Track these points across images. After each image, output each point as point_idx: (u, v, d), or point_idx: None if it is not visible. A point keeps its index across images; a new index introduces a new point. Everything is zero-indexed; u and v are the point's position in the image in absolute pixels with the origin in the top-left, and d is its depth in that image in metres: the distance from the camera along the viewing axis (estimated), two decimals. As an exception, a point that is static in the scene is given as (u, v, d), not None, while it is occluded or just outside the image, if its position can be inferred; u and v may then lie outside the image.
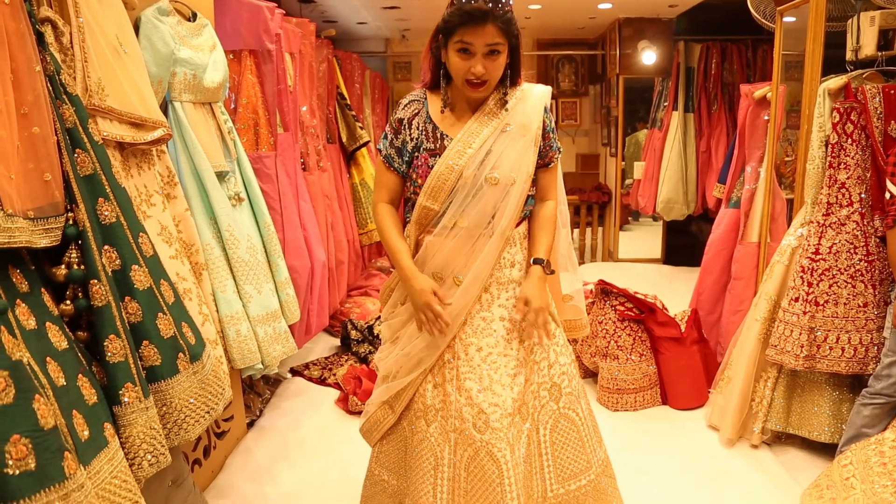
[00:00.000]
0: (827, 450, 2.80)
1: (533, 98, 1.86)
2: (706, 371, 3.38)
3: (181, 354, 1.66)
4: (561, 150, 1.96)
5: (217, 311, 2.34)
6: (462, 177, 1.77)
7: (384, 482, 1.99)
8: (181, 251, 2.11)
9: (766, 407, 2.89)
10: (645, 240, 7.32)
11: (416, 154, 1.84)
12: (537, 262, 1.86)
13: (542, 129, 1.86)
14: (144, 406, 1.51)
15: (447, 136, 1.82)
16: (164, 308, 1.64)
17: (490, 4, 1.65)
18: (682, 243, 6.43)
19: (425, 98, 1.88)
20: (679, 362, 3.31)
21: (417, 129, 1.84)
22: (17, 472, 1.12)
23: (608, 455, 2.03)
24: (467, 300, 1.82)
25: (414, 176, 1.85)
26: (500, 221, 1.79)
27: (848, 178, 2.67)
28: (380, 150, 1.91)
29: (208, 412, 1.72)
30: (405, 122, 1.86)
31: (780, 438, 2.97)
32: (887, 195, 2.40)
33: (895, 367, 2.46)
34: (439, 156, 1.80)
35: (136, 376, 1.50)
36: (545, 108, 1.88)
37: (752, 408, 2.94)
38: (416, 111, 1.86)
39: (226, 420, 2.81)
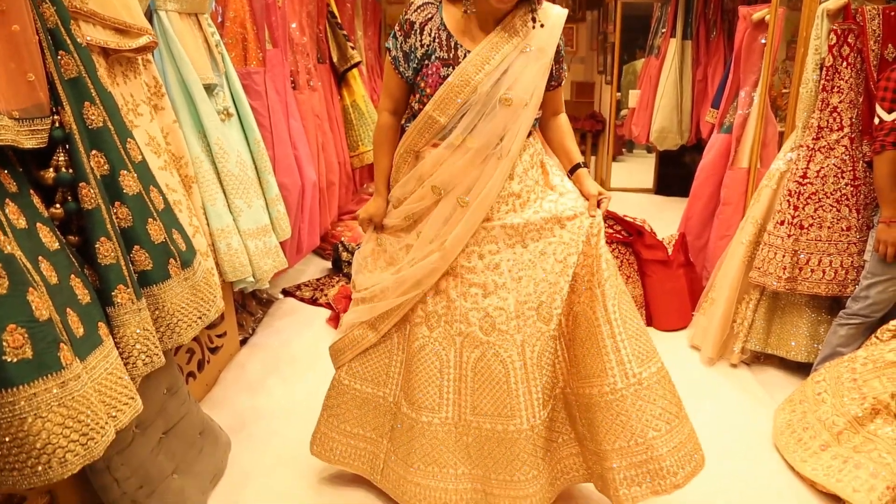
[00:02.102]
0: (802, 369, 2.90)
1: (552, 19, 1.80)
2: (691, 294, 3.45)
3: (172, 260, 1.68)
4: (566, 69, 1.97)
5: (207, 224, 2.36)
6: (476, 92, 1.72)
7: (355, 390, 2.00)
8: (170, 163, 2.11)
9: (746, 328, 2.97)
10: (637, 170, 7.32)
11: (427, 62, 1.77)
12: (582, 165, 1.97)
13: (556, 51, 1.83)
14: (137, 308, 1.55)
15: (462, 46, 1.76)
16: (154, 214, 1.66)
17: None
18: (675, 174, 6.43)
19: (440, 3, 1.79)
20: (665, 285, 3.38)
21: (429, 35, 1.77)
22: (15, 359, 1.16)
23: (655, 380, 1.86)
24: (473, 224, 1.81)
25: (422, 84, 1.79)
26: (510, 144, 1.77)
27: (840, 102, 2.66)
28: (388, 49, 1.85)
29: (200, 318, 1.76)
30: (416, 26, 1.77)
31: (759, 358, 3.06)
32: (876, 120, 2.40)
33: (873, 289, 2.53)
34: (453, 66, 1.74)
35: (127, 278, 1.53)
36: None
37: (733, 329, 3.02)
38: (430, 16, 1.78)
39: (219, 336, 2.87)
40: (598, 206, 1.89)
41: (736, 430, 2.53)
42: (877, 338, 2.48)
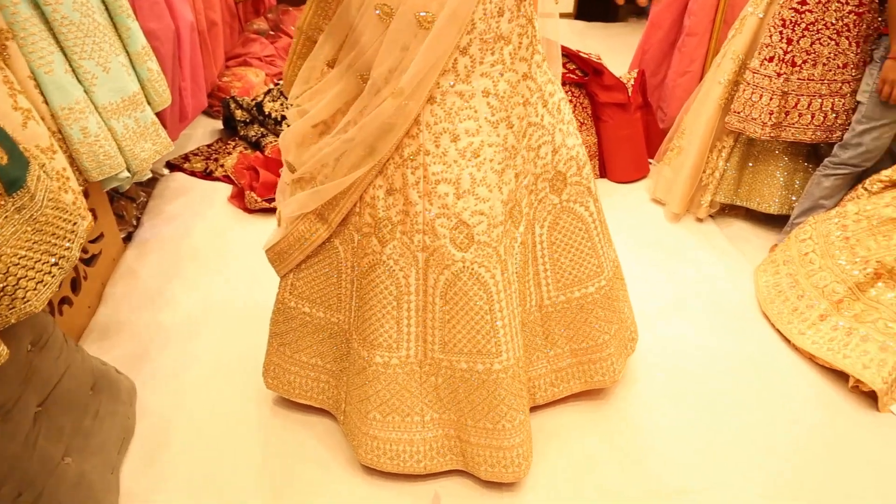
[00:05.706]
0: (771, 221, 2.72)
1: None
2: (648, 140, 3.08)
3: (-11, 185, 1.05)
4: None
5: (45, 102, 1.63)
6: None
7: (305, 315, 1.60)
8: (-36, 12, 1.36)
9: (717, 179, 2.67)
10: (554, -9, 6.63)
11: None
12: None
13: None
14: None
15: None
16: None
17: None
18: (597, -5, 5.83)
19: None
20: (621, 131, 2.97)
21: None
22: None
23: (618, 255, 1.79)
24: (438, 53, 1.23)
25: None
26: None
27: None
28: None
29: (56, 263, 1.16)
30: None
31: (724, 210, 2.82)
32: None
33: (867, 135, 2.26)
34: None
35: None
36: None
37: (701, 180, 2.71)
38: None
39: (93, 242, 2.22)
40: None
41: (716, 294, 2.36)
42: (865, 189, 2.25)
